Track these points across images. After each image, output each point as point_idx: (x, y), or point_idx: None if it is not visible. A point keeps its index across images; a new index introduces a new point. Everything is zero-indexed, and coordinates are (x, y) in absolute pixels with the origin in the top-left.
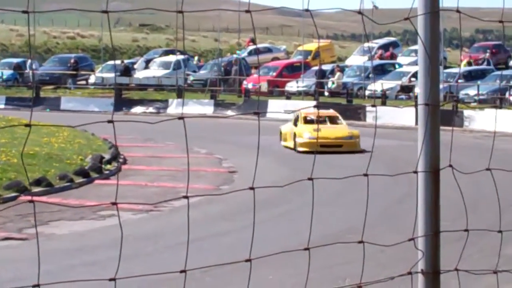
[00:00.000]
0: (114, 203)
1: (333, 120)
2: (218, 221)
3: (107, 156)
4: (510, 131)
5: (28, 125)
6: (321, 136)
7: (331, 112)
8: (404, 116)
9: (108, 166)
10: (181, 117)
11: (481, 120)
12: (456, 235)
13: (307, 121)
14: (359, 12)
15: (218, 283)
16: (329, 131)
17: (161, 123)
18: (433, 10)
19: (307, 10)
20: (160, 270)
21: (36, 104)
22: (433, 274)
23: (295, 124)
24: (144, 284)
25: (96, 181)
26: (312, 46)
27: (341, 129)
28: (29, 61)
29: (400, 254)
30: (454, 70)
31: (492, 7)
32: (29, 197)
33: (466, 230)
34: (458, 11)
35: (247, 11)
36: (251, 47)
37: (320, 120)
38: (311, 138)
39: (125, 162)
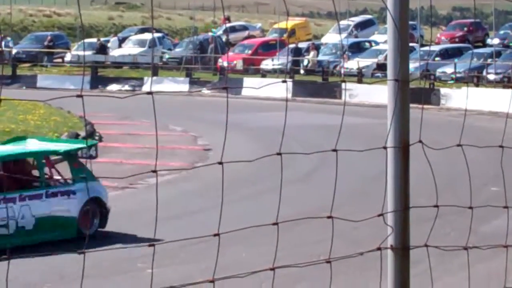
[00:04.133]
0: (84, 177)
1: None
2: (194, 198)
3: (82, 134)
4: (487, 109)
5: None
6: None
7: None
8: (381, 94)
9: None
10: (150, 92)
11: (458, 98)
12: (433, 213)
13: None
14: None
15: (193, 259)
16: None
17: (136, 101)
18: None
19: None
20: (134, 246)
21: (12, 82)
22: (402, 250)
23: None
24: (119, 260)
25: None
26: (287, 24)
27: None
28: (8, 38)
29: (375, 231)
30: (432, 48)
31: None
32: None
33: (436, 206)
34: None
35: None
36: (227, 25)
37: None
38: None
39: (100, 139)
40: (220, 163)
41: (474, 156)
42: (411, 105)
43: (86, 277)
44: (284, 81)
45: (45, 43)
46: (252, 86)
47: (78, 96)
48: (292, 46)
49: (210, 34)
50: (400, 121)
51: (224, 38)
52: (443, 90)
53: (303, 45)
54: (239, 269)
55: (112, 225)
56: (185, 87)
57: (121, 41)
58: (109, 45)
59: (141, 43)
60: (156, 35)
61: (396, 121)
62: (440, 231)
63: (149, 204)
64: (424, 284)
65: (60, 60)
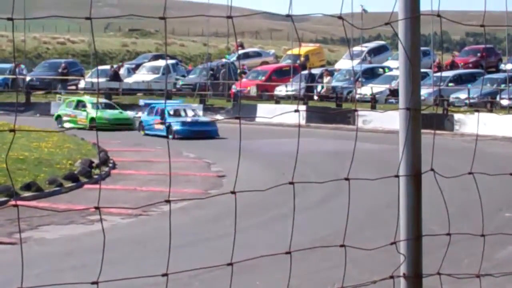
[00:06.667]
0: (97, 208)
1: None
2: (207, 225)
3: (96, 161)
4: (500, 134)
5: (12, 130)
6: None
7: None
8: (394, 120)
9: (97, 171)
10: (163, 123)
11: (472, 123)
12: (446, 240)
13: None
14: (340, 17)
15: (206, 287)
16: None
17: None
18: (413, 15)
19: (288, 16)
20: (147, 274)
21: (26, 110)
22: (415, 278)
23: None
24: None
25: (86, 186)
26: (301, 50)
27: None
28: (22, 66)
29: (388, 258)
30: (444, 73)
31: (480, 10)
32: (17, 203)
33: (449, 234)
34: (438, 15)
35: (229, 17)
36: (240, 51)
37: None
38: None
39: (114, 166)
40: (233, 192)
41: (488, 182)
42: (424, 131)
43: None
44: (297, 111)
45: (59, 70)
46: (265, 113)
47: (91, 127)
48: (305, 72)
49: (223, 60)
50: (412, 150)
51: (237, 64)
52: (456, 116)
53: (316, 71)
54: None
55: (125, 253)
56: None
57: (134, 68)
58: (121, 73)
59: (155, 70)
60: (170, 61)
61: (408, 149)
62: (454, 258)
63: (162, 231)
64: None
65: (74, 87)
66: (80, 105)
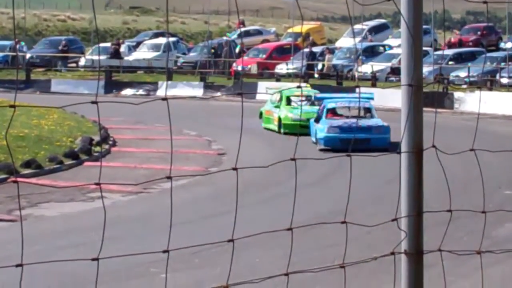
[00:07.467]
0: (98, 184)
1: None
2: (208, 202)
3: (96, 138)
4: (500, 113)
5: (12, 106)
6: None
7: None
8: (395, 98)
9: (98, 148)
10: (164, 98)
11: (472, 102)
12: (447, 216)
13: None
14: None
15: (206, 264)
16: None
17: (150, 106)
18: None
19: None
20: (148, 251)
21: (26, 87)
22: (416, 254)
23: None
24: (132, 265)
25: (86, 163)
26: (302, 28)
27: None
28: (22, 43)
29: (389, 235)
30: (445, 52)
31: None
32: (17, 179)
33: (449, 211)
34: None
35: None
36: (241, 29)
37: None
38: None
39: (114, 144)
40: (235, 169)
41: (488, 159)
42: (424, 109)
43: (99, 283)
44: (299, 87)
45: (60, 47)
46: (265, 91)
47: (93, 102)
48: (306, 50)
49: (225, 38)
50: (413, 126)
51: (238, 42)
52: (456, 94)
53: (317, 49)
54: (253, 275)
55: (126, 230)
56: (199, 91)
57: (135, 46)
58: (121, 50)
59: (156, 48)
60: (171, 39)
61: (410, 126)
62: (454, 235)
63: (163, 209)
64: None
65: (74, 64)
66: (280, 99)
